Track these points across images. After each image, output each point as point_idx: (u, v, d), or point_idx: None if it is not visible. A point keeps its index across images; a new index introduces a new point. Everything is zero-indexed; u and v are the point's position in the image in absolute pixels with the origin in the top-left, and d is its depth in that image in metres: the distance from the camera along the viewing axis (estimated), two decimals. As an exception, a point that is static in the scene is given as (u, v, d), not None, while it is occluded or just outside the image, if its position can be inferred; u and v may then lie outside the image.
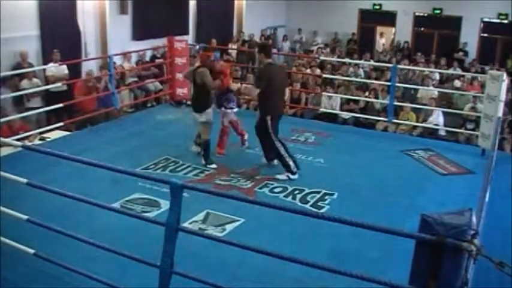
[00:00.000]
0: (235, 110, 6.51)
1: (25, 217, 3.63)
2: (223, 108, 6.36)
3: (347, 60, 13.31)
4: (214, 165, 5.97)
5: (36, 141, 6.92)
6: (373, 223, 2.45)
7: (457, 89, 11.65)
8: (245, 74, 12.00)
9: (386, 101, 8.70)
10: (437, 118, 9.24)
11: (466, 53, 15.66)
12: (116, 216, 3.66)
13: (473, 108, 9.28)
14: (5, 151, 5.71)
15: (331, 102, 10.19)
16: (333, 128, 8.08)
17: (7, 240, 3.68)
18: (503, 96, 6.37)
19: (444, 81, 12.75)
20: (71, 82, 8.72)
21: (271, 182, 5.60)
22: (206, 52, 6.12)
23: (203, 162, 6.02)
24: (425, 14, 16.73)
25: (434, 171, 6.19)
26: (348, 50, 16.82)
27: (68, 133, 7.47)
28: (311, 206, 5.08)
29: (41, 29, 9.46)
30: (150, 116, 8.34)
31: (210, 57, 6.13)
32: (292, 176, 5.68)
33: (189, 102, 8.10)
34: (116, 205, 4.76)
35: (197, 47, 8.47)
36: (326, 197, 5.27)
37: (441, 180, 5.93)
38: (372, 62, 13.68)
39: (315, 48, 16.49)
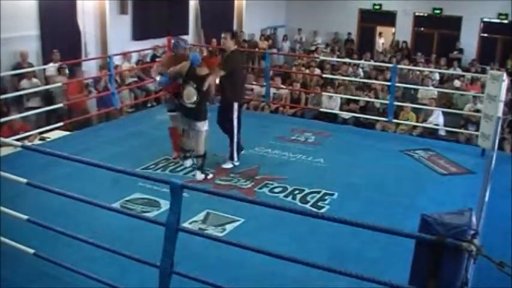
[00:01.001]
0: None
1: (25, 217, 3.63)
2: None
3: (347, 60, 13.32)
4: (211, 175, 5.79)
5: (36, 141, 6.93)
6: (373, 223, 2.45)
7: (457, 89, 11.65)
8: (245, 74, 11.99)
9: (386, 101, 8.70)
10: (437, 118, 9.24)
11: (461, 51, 15.65)
12: (116, 216, 3.66)
13: (476, 111, 9.25)
14: (5, 151, 5.71)
15: (331, 102, 10.19)
16: (333, 128, 8.08)
17: (7, 240, 3.68)
18: (503, 96, 6.37)
19: (444, 81, 12.76)
20: (70, 82, 8.72)
21: (271, 182, 5.60)
22: (211, 57, 5.76)
23: (201, 176, 5.67)
24: (425, 14, 16.73)
25: (434, 171, 6.19)
26: (346, 50, 16.82)
27: (68, 133, 7.47)
28: (311, 206, 5.08)
29: (41, 29, 9.46)
30: (150, 116, 8.33)
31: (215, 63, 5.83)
32: (236, 163, 6.02)
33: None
34: (116, 205, 4.76)
35: (172, 41, 6.85)
36: (326, 197, 5.26)
37: (441, 180, 5.93)
38: (371, 62, 13.69)
39: (314, 48, 16.51)
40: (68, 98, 8.42)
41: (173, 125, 6.25)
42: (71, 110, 8.16)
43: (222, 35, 5.98)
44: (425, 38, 16.73)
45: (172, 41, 6.52)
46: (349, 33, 17.36)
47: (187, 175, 5.74)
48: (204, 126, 5.71)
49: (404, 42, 16.65)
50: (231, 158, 6.03)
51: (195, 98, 5.56)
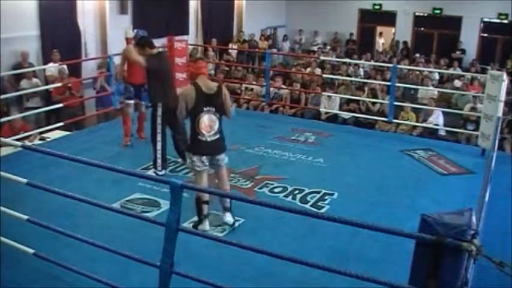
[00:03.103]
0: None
1: (25, 217, 3.63)
2: (138, 100, 6.78)
3: (347, 60, 13.32)
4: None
5: (36, 141, 6.93)
6: (373, 223, 2.45)
7: (457, 89, 11.65)
8: (245, 74, 12.01)
9: (386, 101, 8.70)
10: (437, 118, 9.24)
11: (463, 51, 15.65)
12: (116, 216, 3.66)
13: (474, 109, 9.27)
14: (5, 151, 5.71)
15: (330, 102, 10.18)
16: (333, 128, 8.08)
17: (7, 240, 3.68)
18: (503, 96, 6.37)
19: (444, 81, 12.76)
20: (70, 82, 8.70)
21: (271, 182, 5.60)
22: (197, 62, 4.67)
23: (231, 220, 4.56)
24: (425, 14, 16.73)
25: (434, 171, 6.19)
26: (347, 50, 16.82)
27: (68, 133, 7.47)
28: (311, 206, 5.08)
29: (41, 29, 9.45)
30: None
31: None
32: (159, 173, 5.65)
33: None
34: (116, 205, 4.76)
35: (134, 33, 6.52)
36: (326, 197, 5.26)
37: (441, 180, 5.93)
38: (372, 62, 13.70)
39: (315, 48, 16.51)
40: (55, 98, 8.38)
41: (128, 111, 6.75)
42: (63, 109, 8.04)
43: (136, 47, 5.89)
44: (425, 38, 16.72)
45: (132, 33, 6.62)
46: (351, 34, 17.35)
47: (187, 175, 5.73)
48: (225, 158, 4.59)
49: (404, 42, 16.66)
50: (154, 166, 5.69)
51: (216, 127, 4.44)
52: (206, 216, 4.49)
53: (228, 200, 4.49)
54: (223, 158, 4.53)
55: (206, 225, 4.49)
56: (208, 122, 4.37)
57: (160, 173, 5.68)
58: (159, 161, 5.68)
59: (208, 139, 4.39)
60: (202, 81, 4.43)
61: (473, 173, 6.05)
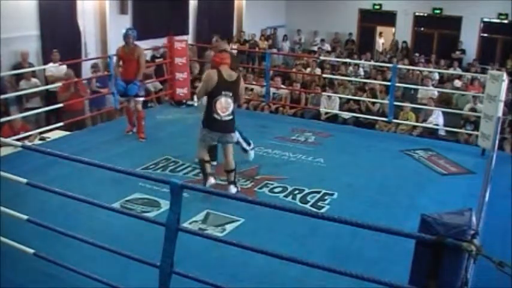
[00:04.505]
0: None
1: (25, 217, 3.63)
2: (136, 98, 6.93)
3: (347, 60, 13.33)
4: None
5: (36, 141, 6.93)
6: (373, 223, 2.45)
7: (457, 89, 11.65)
8: (245, 74, 12.01)
9: (386, 101, 8.71)
10: (437, 118, 9.24)
11: (463, 51, 15.66)
12: (116, 216, 3.66)
13: (473, 109, 9.27)
14: (5, 151, 5.71)
15: (330, 102, 10.18)
16: (333, 128, 8.08)
17: (7, 240, 3.68)
18: (503, 96, 6.37)
19: (444, 81, 12.76)
20: (70, 82, 8.70)
21: (271, 182, 5.60)
22: (222, 53, 5.25)
23: (235, 190, 5.23)
24: (425, 14, 16.73)
25: (434, 171, 6.19)
26: (346, 50, 16.82)
27: (68, 133, 7.47)
28: (311, 206, 5.08)
29: (41, 29, 9.46)
30: (150, 116, 8.32)
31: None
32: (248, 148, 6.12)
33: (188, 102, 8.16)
34: (116, 205, 4.76)
35: (123, 31, 7.18)
36: (326, 197, 5.26)
37: (441, 180, 5.93)
38: (372, 62, 13.70)
39: (315, 48, 16.51)
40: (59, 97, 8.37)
41: (127, 107, 7.15)
42: (64, 111, 8.02)
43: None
44: (425, 38, 16.73)
45: (123, 31, 7.02)
46: (350, 34, 17.36)
47: (187, 175, 5.74)
48: (236, 135, 5.38)
49: (404, 42, 16.66)
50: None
51: (231, 109, 5.08)
52: (210, 174, 5.21)
53: (232, 175, 5.20)
54: (232, 136, 5.22)
55: (211, 180, 5.19)
56: (224, 104, 5.02)
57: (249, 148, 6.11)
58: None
59: (223, 119, 5.04)
60: (224, 69, 5.06)
61: (474, 173, 6.05)
